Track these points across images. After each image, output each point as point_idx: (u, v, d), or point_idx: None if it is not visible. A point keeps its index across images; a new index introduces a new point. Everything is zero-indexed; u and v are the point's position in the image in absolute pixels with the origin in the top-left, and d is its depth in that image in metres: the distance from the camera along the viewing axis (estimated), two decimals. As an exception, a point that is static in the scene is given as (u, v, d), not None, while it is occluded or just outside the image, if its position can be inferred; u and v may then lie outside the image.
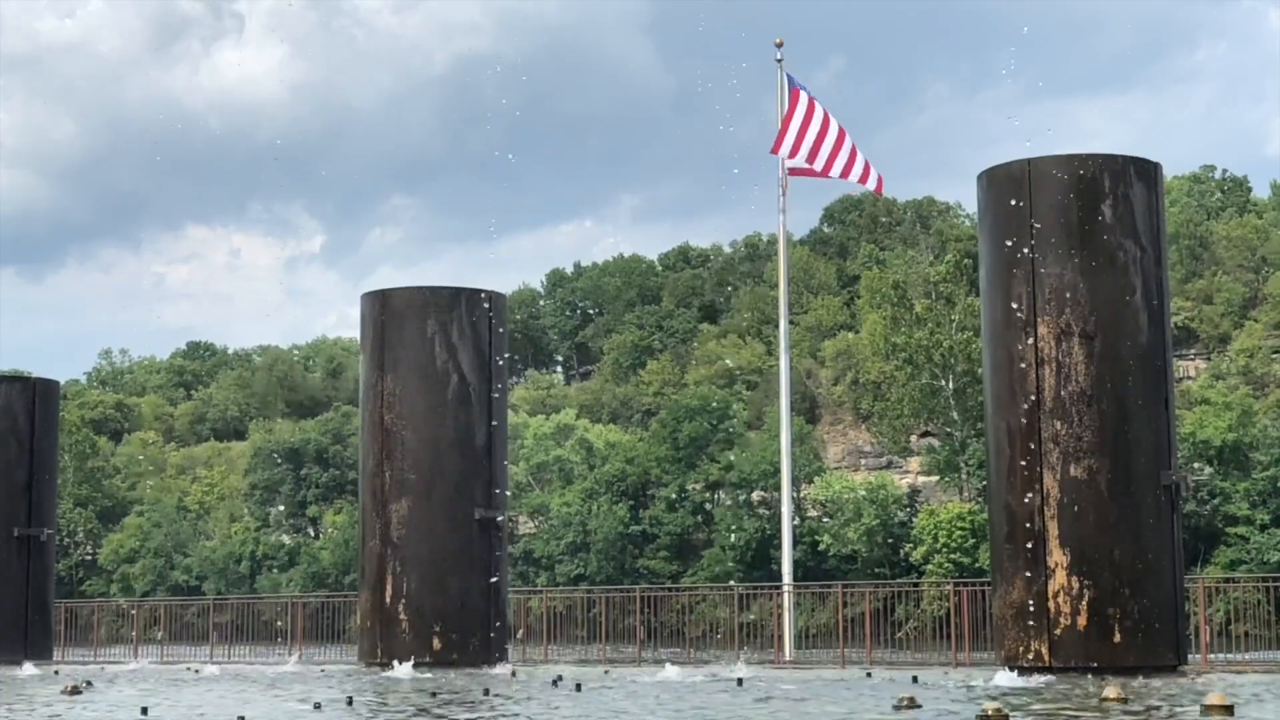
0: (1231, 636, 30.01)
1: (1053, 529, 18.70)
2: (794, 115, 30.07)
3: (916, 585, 48.17)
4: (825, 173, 30.42)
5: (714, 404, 70.52)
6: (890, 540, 65.13)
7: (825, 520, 66.05)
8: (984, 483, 43.09)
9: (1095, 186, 19.34)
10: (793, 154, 30.09)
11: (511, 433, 54.69)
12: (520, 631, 33.17)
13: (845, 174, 30.55)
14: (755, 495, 67.24)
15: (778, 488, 37.21)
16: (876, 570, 62.41)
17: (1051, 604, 18.58)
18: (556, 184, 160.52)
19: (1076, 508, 18.67)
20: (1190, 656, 19.75)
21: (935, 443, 68.44)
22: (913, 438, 71.23)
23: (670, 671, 20.97)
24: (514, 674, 21.02)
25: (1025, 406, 19.11)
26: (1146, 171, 19.74)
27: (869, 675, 20.91)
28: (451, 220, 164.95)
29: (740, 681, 18.74)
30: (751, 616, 34.07)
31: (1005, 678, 18.18)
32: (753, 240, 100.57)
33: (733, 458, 67.67)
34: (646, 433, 74.88)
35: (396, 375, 23.48)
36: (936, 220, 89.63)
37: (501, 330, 24.48)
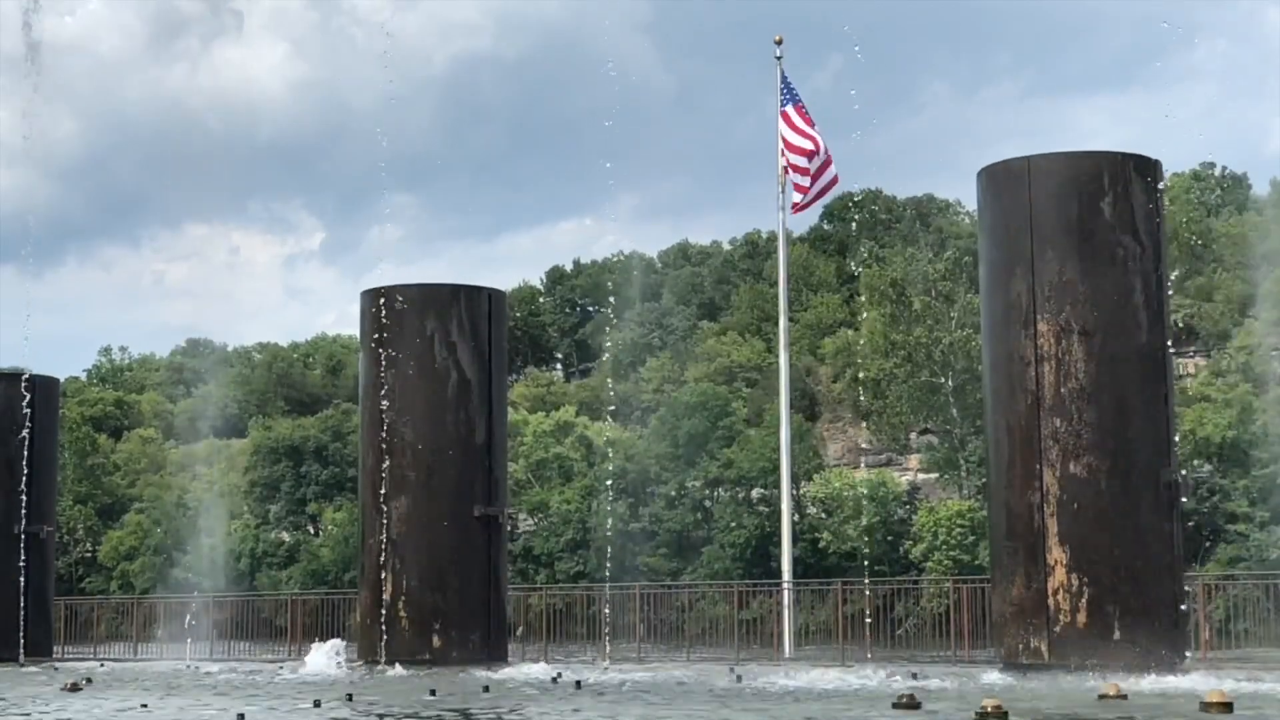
0: (1231, 634, 29.98)
1: (1052, 526, 18.70)
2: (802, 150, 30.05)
3: (916, 583, 48.17)
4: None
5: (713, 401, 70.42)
6: (890, 538, 65.10)
7: (825, 517, 66.02)
8: (984, 480, 43.06)
9: (1095, 184, 19.34)
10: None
11: (511, 430, 54.69)
12: (519, 629, 33.12)
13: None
14: (755, 492, 67.21)
15: (777, 485, 37.17)
16: (876, 568, 62.33)
17: (1051, 601, 18.58)
18: (556, 182, 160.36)
19: (1076, 505, 18.67)
20: (1189, 653, 19.73)
21: (935, 440, 68.40)
22: (912, 435, 71.18)
23: (671, 668, 20.95)
24: (557, 677, 19.34)
25: (1025, 403, 19.10)
26: (1146, 169, 19.73)
27: (870, 673, 20.90)
28: (451, 219, 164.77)
29: (739, 678, 18.75)
30: (751, 614, 34.03)
31: (1005, 675, 18.16)
32: (753, 237, 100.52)
33: (732, 455, 67.60)
34: (646, 430, 74.83)
35: (396, 372, 23.46)
36: (936, 217, 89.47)
37: (501, 327, 24.48)
